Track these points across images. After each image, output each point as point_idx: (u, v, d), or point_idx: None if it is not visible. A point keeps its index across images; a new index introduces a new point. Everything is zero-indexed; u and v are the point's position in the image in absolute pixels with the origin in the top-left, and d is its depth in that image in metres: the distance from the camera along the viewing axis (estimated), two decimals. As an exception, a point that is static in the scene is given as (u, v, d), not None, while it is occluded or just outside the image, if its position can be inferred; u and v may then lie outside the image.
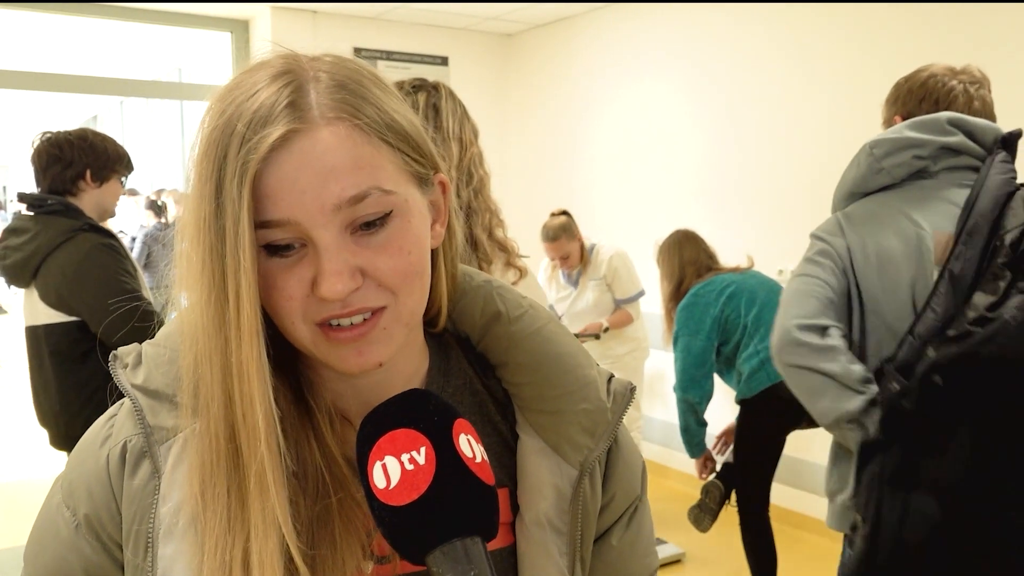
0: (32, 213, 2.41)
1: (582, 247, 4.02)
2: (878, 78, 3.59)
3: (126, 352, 0.70)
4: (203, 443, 0.63)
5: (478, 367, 0.76)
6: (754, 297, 3.14)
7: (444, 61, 5.47)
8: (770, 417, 3.11)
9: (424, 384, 0.73)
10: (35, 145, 2.41)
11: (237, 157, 0.58)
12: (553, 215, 4.00)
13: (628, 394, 0.73)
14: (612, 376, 0.75)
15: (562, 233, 3.93)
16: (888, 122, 1.83)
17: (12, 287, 2.56)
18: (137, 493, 0.65)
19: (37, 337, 2.38)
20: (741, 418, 3.19)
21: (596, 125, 5.11)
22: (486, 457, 0.60)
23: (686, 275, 3.29)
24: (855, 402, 1.54)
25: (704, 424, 3.24)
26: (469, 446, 0.59)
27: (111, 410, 0.71)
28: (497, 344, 0.74)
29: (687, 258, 3.31)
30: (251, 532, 0.60)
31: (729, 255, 4.18)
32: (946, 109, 1.71)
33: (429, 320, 0.75)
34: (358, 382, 0.69)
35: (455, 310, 0.76)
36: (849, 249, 1.64)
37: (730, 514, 4.26)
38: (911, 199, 1.64)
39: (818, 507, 3.95)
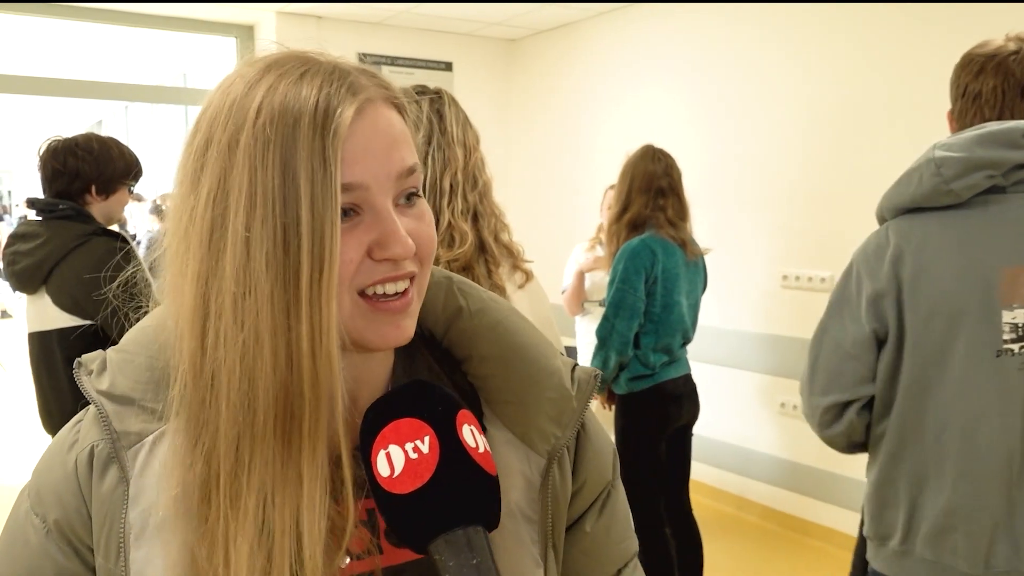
0: (41, 218, 2.41)
1: None
2: (880, 85, 3.60)
3: (90, 359, 0.70)
4: (229, 421, 0.61)
5: (444, 364, 0.76)
6: (678, 288, 2.91)
7: (448, 66, 5.48)
8: (656, 415, 2.92)
9: (389, 384, 0.73)
10: (40, 153, 2.40)
11: (312, 125, 0.60)
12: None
13: (592, 381, 0.75)
14: (576, 365, 0.76)
15: None
16: (953, 103, 1.65)
17: (17, 292, 2.55)
18: (106, 498, 0.66)
19: (49, 342, 2.37)
20: (626, 419, 2.95)
21: (599, 130, 5.11)
22: (488, 448, 0.62)
23: (632, 202, 2.97)
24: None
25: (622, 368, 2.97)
26: (472, 436, 0.60)
27: (77, 416, 0.72)
28: (460, 338, 0.76)
29: (638, 183, 2.96)
30: (299, 498, 0.60)
31: (731, 260, 4.19)
32: (1003, 86, 1.56)
33: None
34: None
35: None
36: (899, 282, 1.52)
37: (732, 521, 4.26)
38: (977, 225, 1.49)
39: (820, 512, 3.95)
